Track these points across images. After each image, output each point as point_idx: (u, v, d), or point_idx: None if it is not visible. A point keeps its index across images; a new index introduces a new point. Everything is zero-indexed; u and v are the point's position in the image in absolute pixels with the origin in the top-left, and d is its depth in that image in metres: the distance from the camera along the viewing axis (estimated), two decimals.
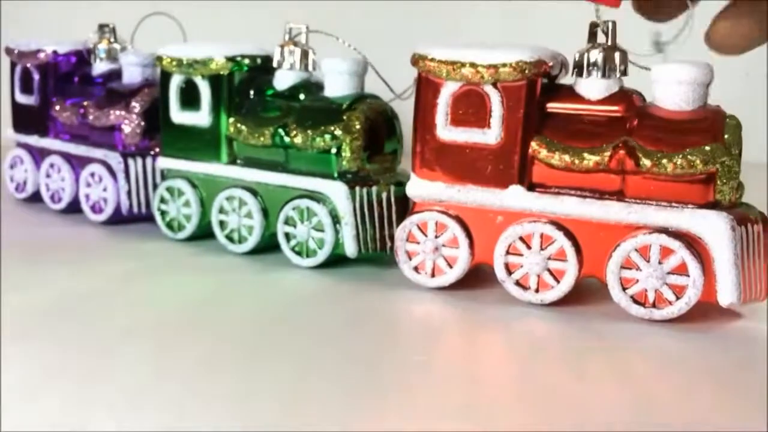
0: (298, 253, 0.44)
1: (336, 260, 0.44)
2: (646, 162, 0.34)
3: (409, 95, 0.45)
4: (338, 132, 0.42)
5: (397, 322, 0.37)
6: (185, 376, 0.30)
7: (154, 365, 0.31)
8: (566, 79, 0.41)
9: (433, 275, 0.40)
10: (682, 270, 0.34)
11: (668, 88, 0.36)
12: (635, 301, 0.35)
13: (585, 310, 0.37)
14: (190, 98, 0.48)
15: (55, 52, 0.56)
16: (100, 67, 0.56)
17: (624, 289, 0.35)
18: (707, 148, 0.34)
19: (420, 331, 0.36)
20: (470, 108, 0.38)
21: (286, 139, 0.44)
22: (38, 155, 0.59)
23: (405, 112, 0.46)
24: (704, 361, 0.32)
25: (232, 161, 0.47)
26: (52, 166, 0.57)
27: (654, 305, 0.35)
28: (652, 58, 0.38)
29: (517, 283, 0.38)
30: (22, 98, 0.58)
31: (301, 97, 0.46)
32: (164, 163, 0.50)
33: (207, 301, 0.39)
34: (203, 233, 0.49)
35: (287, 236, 0.45)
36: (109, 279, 0.43)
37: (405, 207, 0.44)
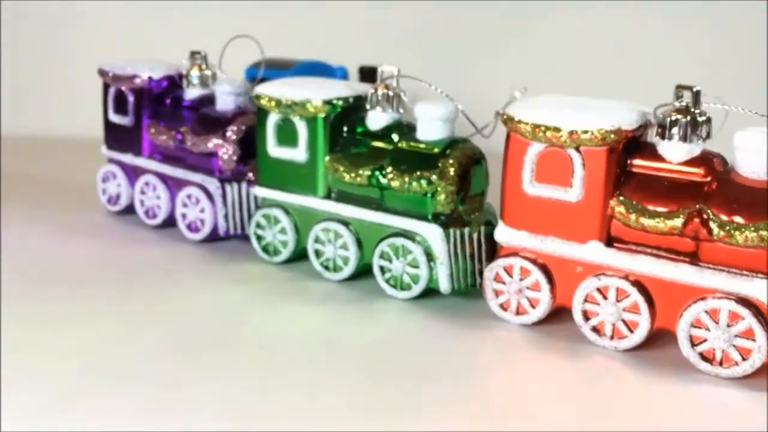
0: (393, 286, 0.57)
1: (428, 291, 0.57)
2: (719, 232, 0.45)
3: (491, 132, 0.57)
4: (434, 177, 0.55)
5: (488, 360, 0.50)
6: (290, 411, 0.43)
7: (254, 399, 0.44)
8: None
9: (517, 313, 0.53)
10: (749, 335, 0.46)
11: (747, 156, 0.46)
12: (703, 358, 0.47)
13: (658, 356, 0.49)
14: (287, 135, 0.61)
15: (150, 78, 0.69)
16: (192, 92, 0.69)
17: (693, 345, 0.47)
18: None
19: (505, 366, 0.49)
20: (554, 167, 0.50)
21: (383, 181, 0.57)
22: (131, 172, 0.73)
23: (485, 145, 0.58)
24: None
25: (327, 195, 0.60)
26: (147, 184, 0.71)
27: (721, 364, 0.46)
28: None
29: (594, 329, 0.50)
30: (115, 118, 0.73)
31: (394, 137, 0.58)
32: (260, 192, 0.64)
33: (313, 335, 0.53)
34: (297, 256, 0.63)
35: (382, 269, 0.58)
36: (218, 306, 0.56)
37: (492, 243, 0.56)
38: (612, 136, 0.48)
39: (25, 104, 1.15)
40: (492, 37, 1.07)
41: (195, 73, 0.69)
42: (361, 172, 0.58)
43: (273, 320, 0.55)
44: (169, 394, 0.45)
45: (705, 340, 0.47)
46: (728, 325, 0.46)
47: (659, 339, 0.51)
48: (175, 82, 0.70)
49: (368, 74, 0.88)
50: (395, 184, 0.56)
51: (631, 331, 0.49)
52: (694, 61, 1.02)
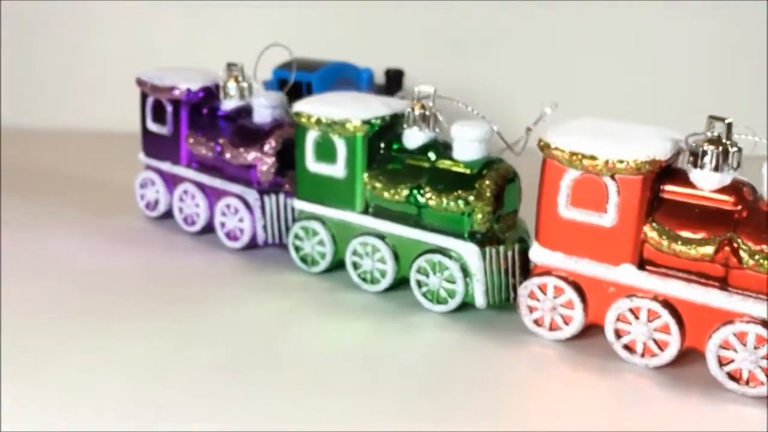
0: (429, 300, 0.60)
1: (462, 305, 0.59)
2: (749, 260, 0.48)
3: (522, 150, 0.59)
4: (471, 198, 0.57)
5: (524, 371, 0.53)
6: (334, 426, 0.46)
7: (301, 414, 0.47)
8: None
9: (551, 329, 0.56)
10: None
11: None
12: (731, 377, 0.49)
13: (687, 373, 0.52)
14: (325, 152, 0.63)
15: (188, 90, 0.71)
16: (228, 103, 0.71)
17: (721, 365, 0.49)
18: None
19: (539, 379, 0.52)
20: (589, 193, 0.52)
21: (421, 200, 0.59)
22: (170, 180, 0.75)
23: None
24: None
25: (365, 210, 0.62)
26: (185, 192, 0.73)
27: (747, 383, 0.49)
28: None
29: (625, 347, 0.53)
30: (153, 127, 0.75)
31: (431, 156, 0.60)
32: (299, 204, 0.66)
33: (355, 348, 0.55)
34: (334, 266, 0.66)
35: (419, 283, 0.60)
36: (262, 319, 0.59)
37: (525, 259, 0.59)
38: (647, 166, 0.50)
39: (48, 97, 1.17)
40: (515, 40, 1.08)
41: (232, 84, 0.71)
42: (399, 190, 0.60)
43: (316, 333, 0.57)
44: (220, 409, 0.48)
45: (732, 361, 0.49)
46: (755, 348, 0.48)
47: (688, 356, 0.53)
48: (211, 93, 0.72)
49: (394, 76, 0.90)
50: (432, 203, 0.58)
51: (662, 350, 0.52)
52: (700, 61, 1.04)
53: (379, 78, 0.92)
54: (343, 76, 0.89)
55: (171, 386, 0.50)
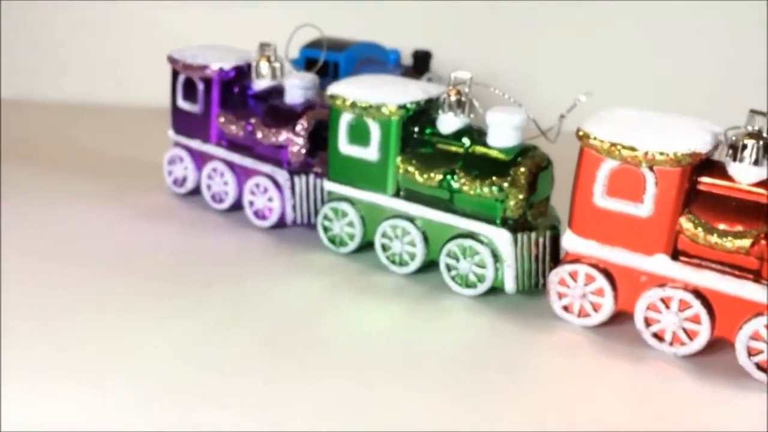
0: (458, 284, 0.60)
1: (491, 289, 0.60)
2: None
3: (556, 137, 0.59)
4: (505, 185, 0.57)
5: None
6: (381, 410, 0.46)
7: (348, 399, 0.47)
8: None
9: (579, 315, 0.56)
10: None
11: None
12: (759, 368, 0.50)
13: (715, 362, 0.52)
14: (359, 135, 0.63)
15: (221, 69, 0.71)
16: (260, 83, 0.71)
17: (750, 356, 0.50)
18: None
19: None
20: (626, 183, 0.52)
21: (455, 185, 0.59)
22: (198, 157, 0.75)
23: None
24: None
25: (396, 193, 0.62)
26: (214, 170, 0.73)
27: None
28: None
29: (654, 335, 0.53)
30: (184, 105, 0.74)
31: (465, 142, 0.60)
32: (329, 186, 0.66)
33: (390, 332, 0.55)
34: (361, 247, 0.66)
35: (448, 267, 0.60)
36: (296, 301, 0.59)
37: (556, 245, 0.59)
38: (687, 158, 0.50)
39: (74, 71, 1.16)
40: (542, 23, 1.08)
41: (264, 64, 0.70)
42: (433, 174, 0.60)
43: (350, 316, 0.58)
44: (258, 390, 0.48)
45: (761, 352, 0.50)
46: None
47: (715, 345, 0.53)
48: (243, 72, 0.72)
49: (421, 58, 0.90)
50: (467, 188, 0.59)
51: (691, 339, 0.52)
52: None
53: (407, 59, 0.92)
54: (370, 57, 0.89)
55: (207, 367, 0.50)
